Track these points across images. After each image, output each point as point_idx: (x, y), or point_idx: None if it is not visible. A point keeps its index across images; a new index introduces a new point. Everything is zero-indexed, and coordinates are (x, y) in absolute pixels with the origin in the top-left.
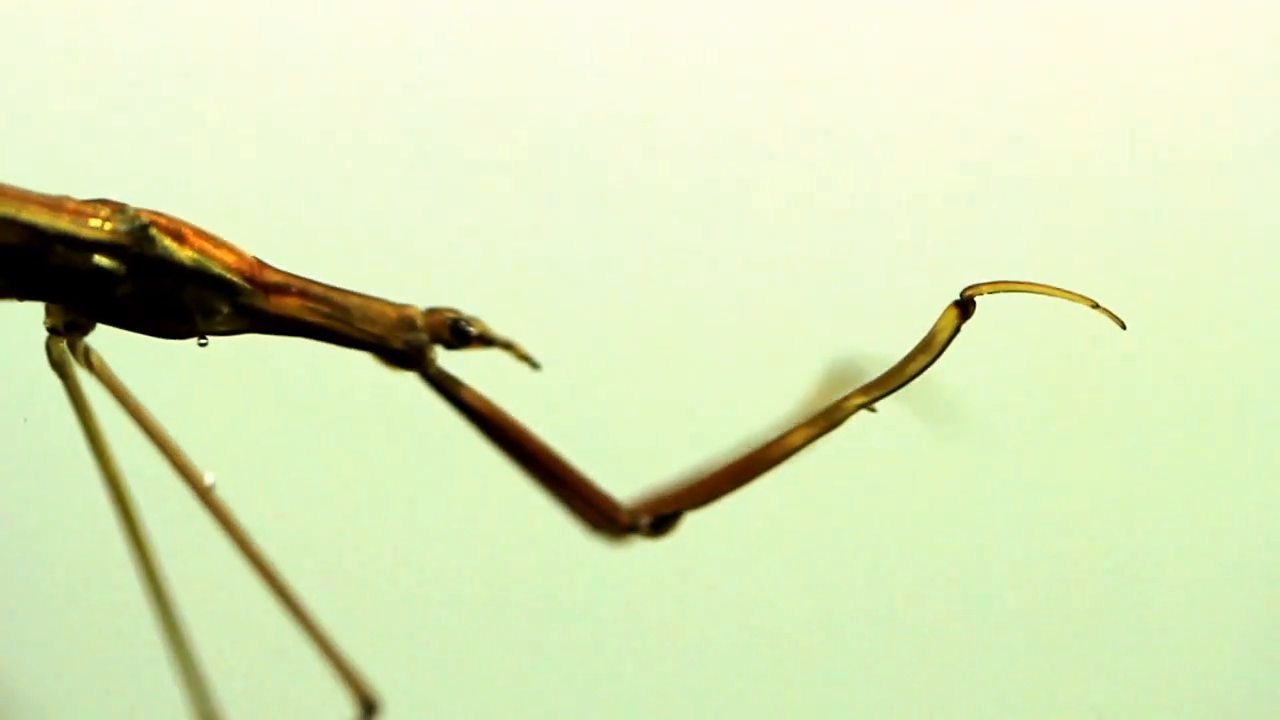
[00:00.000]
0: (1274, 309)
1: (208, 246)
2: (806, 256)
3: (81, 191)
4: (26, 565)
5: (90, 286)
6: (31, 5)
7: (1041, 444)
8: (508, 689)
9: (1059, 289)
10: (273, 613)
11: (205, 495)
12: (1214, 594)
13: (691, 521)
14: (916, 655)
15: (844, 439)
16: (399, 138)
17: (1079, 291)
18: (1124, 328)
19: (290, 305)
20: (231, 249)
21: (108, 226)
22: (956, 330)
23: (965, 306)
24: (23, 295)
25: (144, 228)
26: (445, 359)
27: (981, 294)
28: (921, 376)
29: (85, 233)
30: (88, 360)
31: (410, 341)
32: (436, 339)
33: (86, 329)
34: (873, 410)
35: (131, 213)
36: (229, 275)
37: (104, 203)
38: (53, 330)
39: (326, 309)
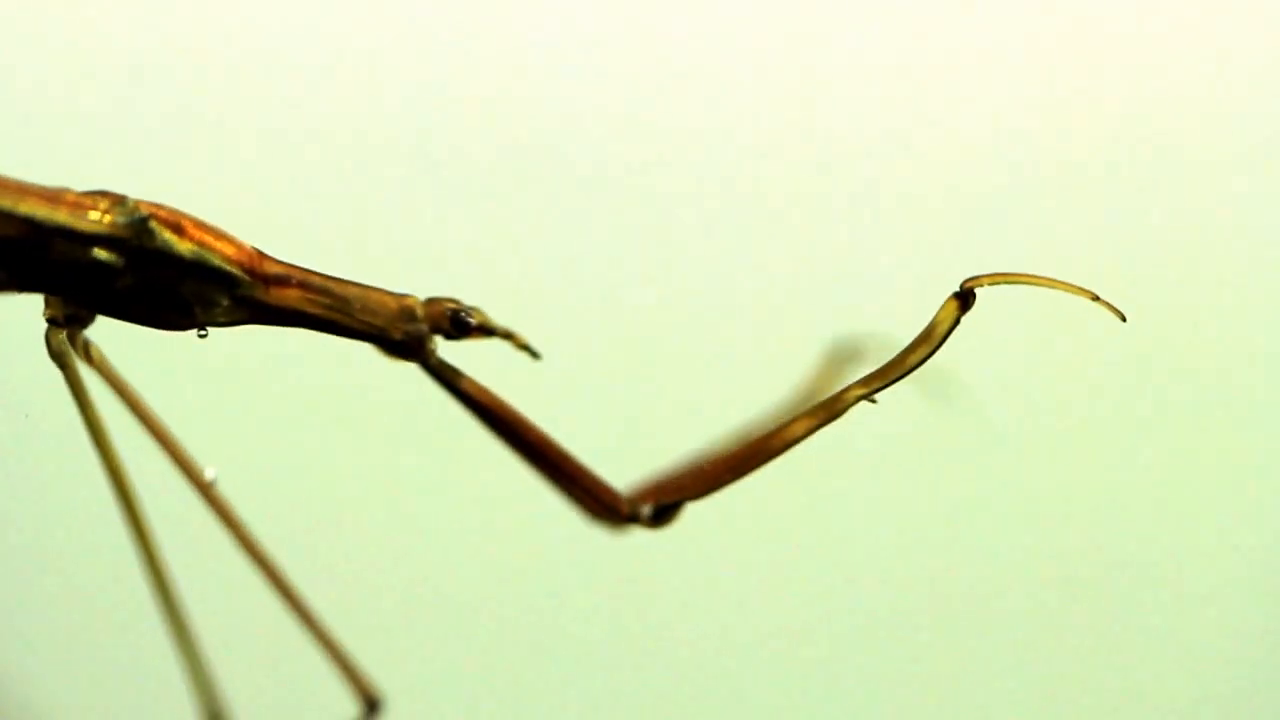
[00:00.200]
0: (1275, 302)
1: (207, 238)
2: (806, 248)
3: (82, 183)
4: (28, 561)
5: (89, 279)
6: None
7: (1041, 439)
8: (510, 686)
9: (1059, 281)
10: (274, 609)
11: (206, 490)
12: (1215, 589)
13: (693, 516)
14: (915, 652)
15: (843, 433)
16: (401, 127)
17: (1079, 284)
18: (1124, 320)
19: (290, 297)
20: (231, 240)
21: (107, 219)
22: (956, 322)
23: (965, 298)
24: (21, 287)
25: (143, 220)
26: (445, 349)
27: (982, 286)
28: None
29: (84, 226)
30: (87, 354)
31: (410, 332)
32: (437, 329)
33: (86, 321)
34: (873, 401)
35: (131, 205)
36: (228, 267)
37: (103, 194)
38: (52, 321)
39: (326, 300)
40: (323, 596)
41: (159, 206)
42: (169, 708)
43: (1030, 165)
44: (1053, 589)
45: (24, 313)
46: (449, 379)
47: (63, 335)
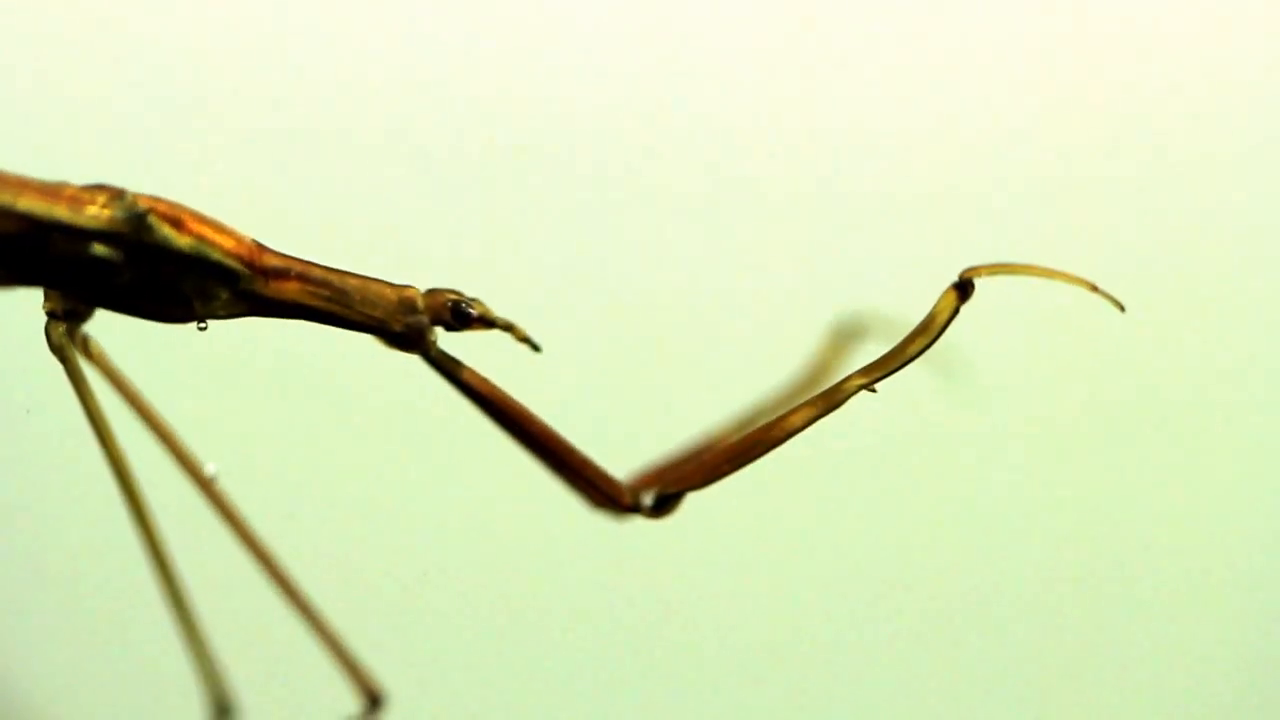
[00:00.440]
0: (1275, 296)
1: (206, 232)
2: (805, 237)
3: (81, 176)
4: (31, 555)
5: (88, 273)
6: None
7: (1042, 435)
8: (512, 682)
9: (1058, 271)
10: (276, 605)
11: (206, 486)
12: (1215, 587)
13: (694, 512)
14: (914, 648)
15: (844, 424)
16: (401, 118)
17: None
18: (1122, 310)
19: (290, 290)
20: (231, 234)
21: (105, 214)
22: (955, 312)
23: (964, 288)
24: (20, 282)
25: (142, 215)
26: (446, 340)
27: (980, 276)
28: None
29: (82, 221)
30: (85, 349)
31: (411, 324)
32: (437, 320)
33: (85, 315)
34: (873, 390)
35: (129, 199)
36: (228, 261)
37: (102, 188)
38: (51, 315)
39: (326, 292)
40: (325, 593)
41: (158, 200)
42: (174, 700)
43: (1031, 156)
44: (1051, 583)
45: (25, 307)
46: (450, 370)
47: (62, 329)
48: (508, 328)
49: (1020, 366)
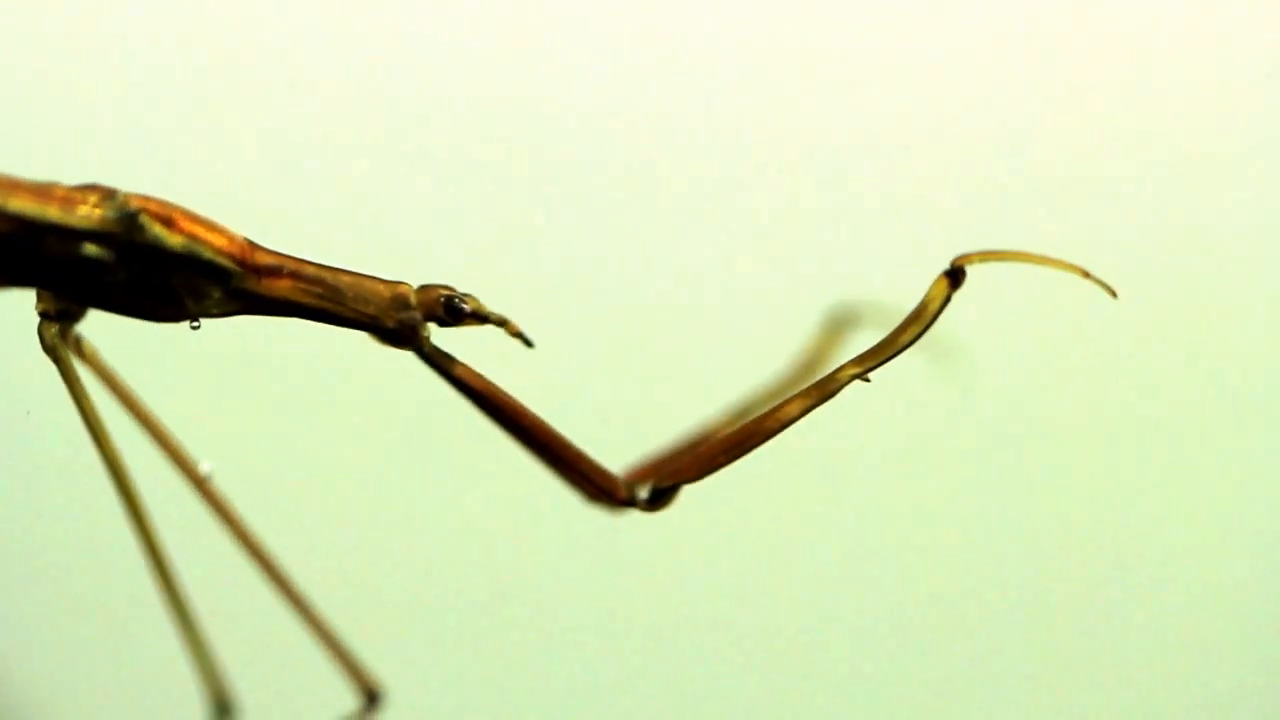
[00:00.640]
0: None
1: (198, 231)
2: (797, 230)
3: (72, 176)
4: (30, 557)
5: (80, 274)
6: None
7: (1035, 425)
8: (510, 678)
9: (1049, 258)
10: (273, 603)
11: (201, 485)
12: (1215, 586)
13: (690, 505)
14: (910, 645)
15: (839, 417)
16: (393, 115)
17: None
18: (1114, 296)
19: (283, 287)
20: (222, 232)
21: (96, 214)
22: (947, 300)
23: (955, 276)
24: (12, 283)
25: (133, 215)
26: (439, 335)
27: (972, 263)
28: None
29: (74, 221)
30: (79, 349)
31: (404, 320)
32: (430, 316)
33: (78, 315)
34: (867, 380)
35: (121, 199)
36: (220, 260)
37: (93, 188)
38: (44, 315)
39: (319, 290)
40: (321, 589)
41: (150, 199)
42: (174, 699)
43: (1023, 146)
44: (1048, 577)
45: (22, 307)
46: (443, 366)
47: (55, 329)
48: (501, 323)
49: (1014, 355)
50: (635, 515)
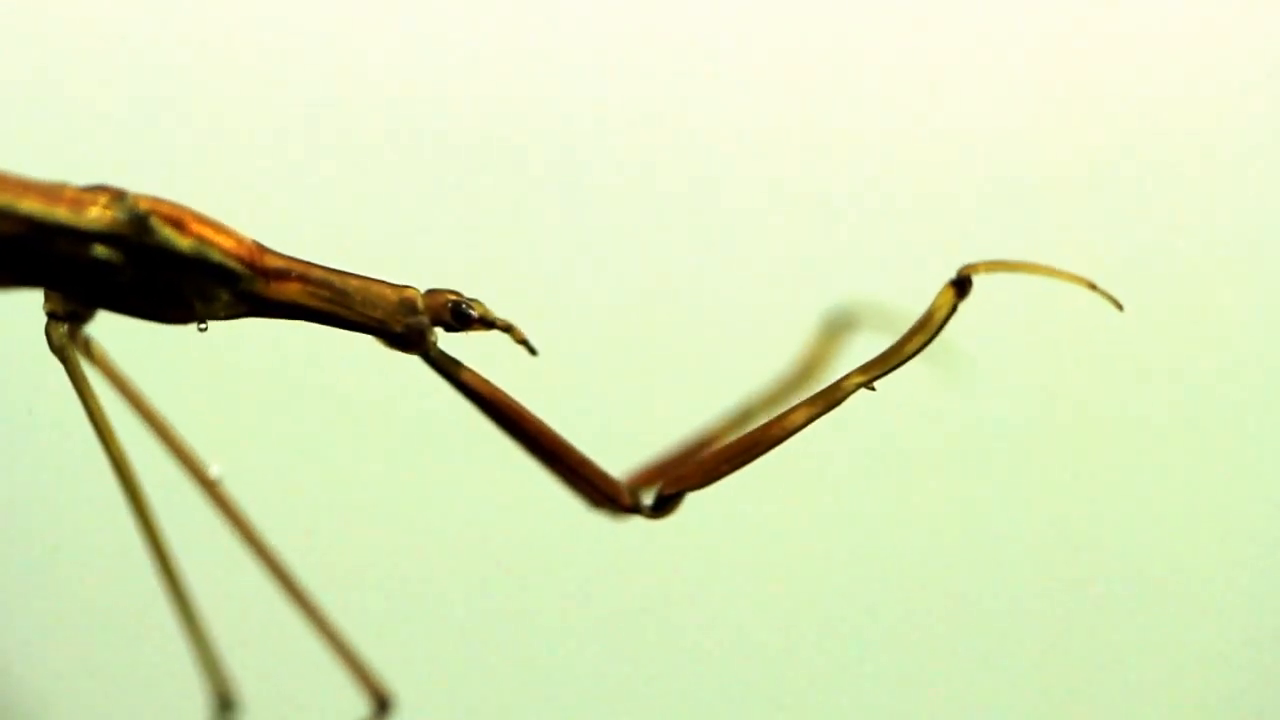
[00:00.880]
0: (1273, 299)
1: (207, 233)
2: (801, 235)
3: (83, 176)
4: (32, 556)
5: (89, 275)
6: None
7: (1043, 436)
8: (519, 685)
9: (1056, 270)
10: (284, 609)
11: (211, 488)
12: (1216, 589)
13: (694, 511)
14: (912, 649)
15: (842, 424)
16: (403, 120)
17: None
18: (1121, 309)
19: (291, 290)
20: (231, 235)
21: (106, 215)
22: (954, 309)
23: (962, 285)
24: (21, 283)
25: (143, 216)
26: (446, 340)
27: (978, 273)
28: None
29: (84, 223)
30: (88, 351)
31: (411, 324)
32: (437, 321)
33: (86, 316)
34: (872, 389)
35: (130, 200)
36: (229, 262)
37: (103, 189)
38: (52, 315)
39: (327, 293)
40: (333, 596)
41: (159, 201)
42: (172, 698)
43: (1029, 153)
44: (1050, 583)
45: (26, 307)
46: (450, 370)
47: (63, 329)
48: (507, 328)
49: (1020, 363)
50: (640, 520)
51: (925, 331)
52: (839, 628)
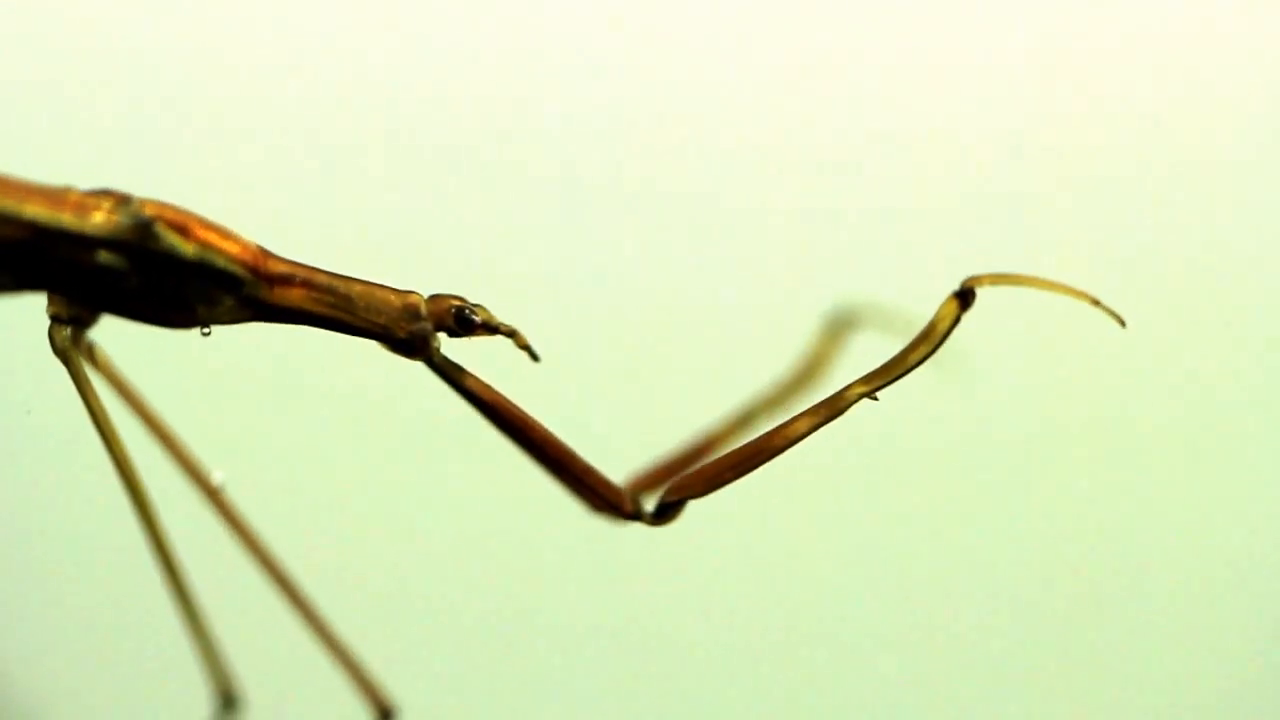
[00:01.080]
0: (1274, 309)
1: (212, 238)
2: (804, 241)
3: (87, 179)
4: (34, 557)
5: (93, 280)
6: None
7: (1044, 445)
8: (523, 693)
9: (1059, 284)
10: (286, 618)
11: (214, 495)
12: (1216, 591)
13: (696, 518)
14: (914, 659)
15: (844, 434)
16: (407, 125)
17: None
18: (1123, 325)
19: (295, 296)
20: (236, 240)
21: (111, 221)
22: (957, 320)
23: (965, 297)
24: (25, 287)
25: (147, 222)
26: (449, 345)
27: (982, 285)
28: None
29: (88, 228)
30: (91, 356)
31: (414, 330)
32: (441, 326)
33: (89, 321)
34: (875, 399)
35: (135, 205)
36: (233, 267)
37: (107, 194)
38: (55, 319)
39: (331, 299)
40: (336, 606)
41: (164, 206)
42: (175, 698)
43: (1032, 163)
44: (1053, 594)
45: (26, 309)
46: (453, 376)
47: (67, 333)
48: (511, 334)
49: (1023, 373)
50: (641, 527)
51: (928, 342)
52: (840, 633)
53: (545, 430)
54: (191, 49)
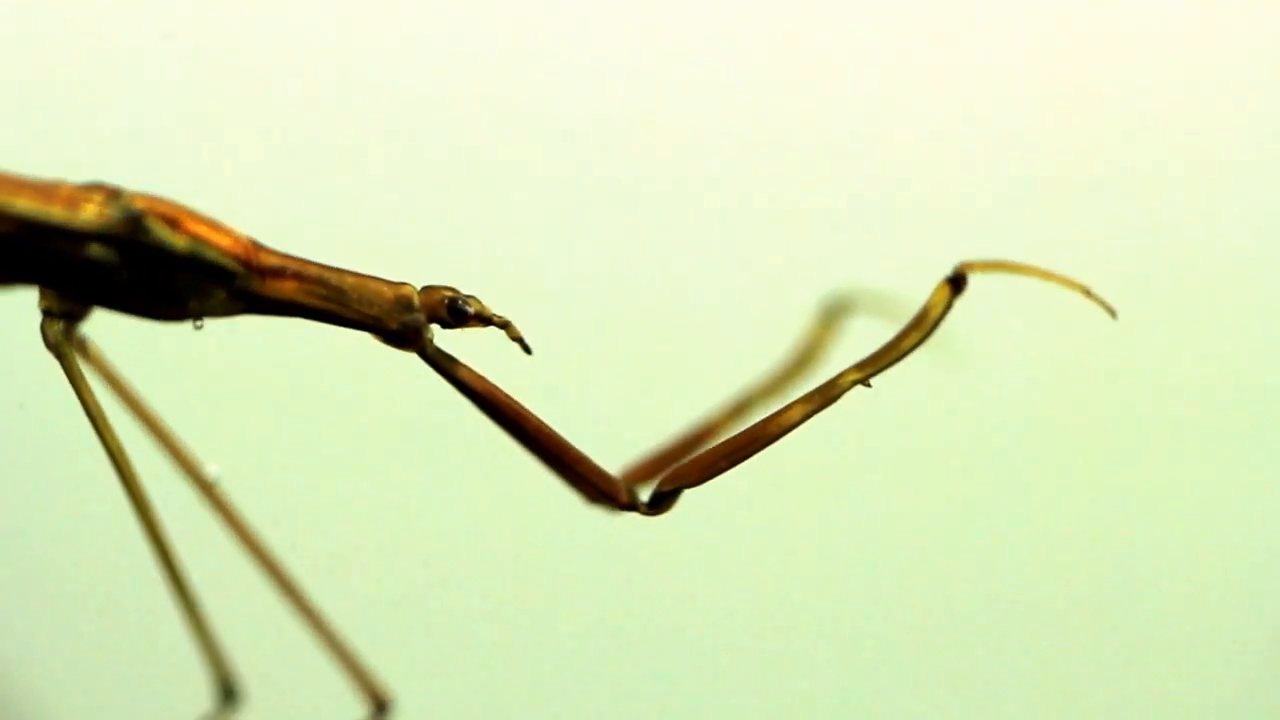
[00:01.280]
0: (1273, 306)
1: (203, 231)
2: (797, 231)
3: (77, 175)
4: (29, 551)
5: (85, 273)
6: None
7: (1039, 432)
8: (518, 683)
9: (1052, 273)
10: (281, 611)
11: (208, 489)
12: (1215, 590)
13: (692, 507)
14: (910, 651)
15: (838, 420)
16: (398, 116)
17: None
18: (1114, 316)
19: (287, 288)
20: (227, 232)
21: (102, 214)
22: (949, 306)
23: (958, 282)
24: (16, 281)
25: (138, 215)
26: (443, 337)
27: (974, 271)
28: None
29: (79, 222)
30: (83, 351)
31: (407, 321)
32: (434, 318)
33: (81, 315)
34: (868, 386)
35: (125, 199)
36: (224, 260)
37: (98, 188)
38: (47, 313)
39: (323, 291)
40: (331, 597)
41: (154, 199)
42: (173, 694)
43: (1025, 154)
44: (1047, 586)
45: (19, 306)
46: (446, 367)
47: (59, 327)
48: (504, 325)
49: (1014, 353)
50: (637, 517)
51: (921, 328)
52: (836, 622)
53: (539, 421)
54: (181, 42)
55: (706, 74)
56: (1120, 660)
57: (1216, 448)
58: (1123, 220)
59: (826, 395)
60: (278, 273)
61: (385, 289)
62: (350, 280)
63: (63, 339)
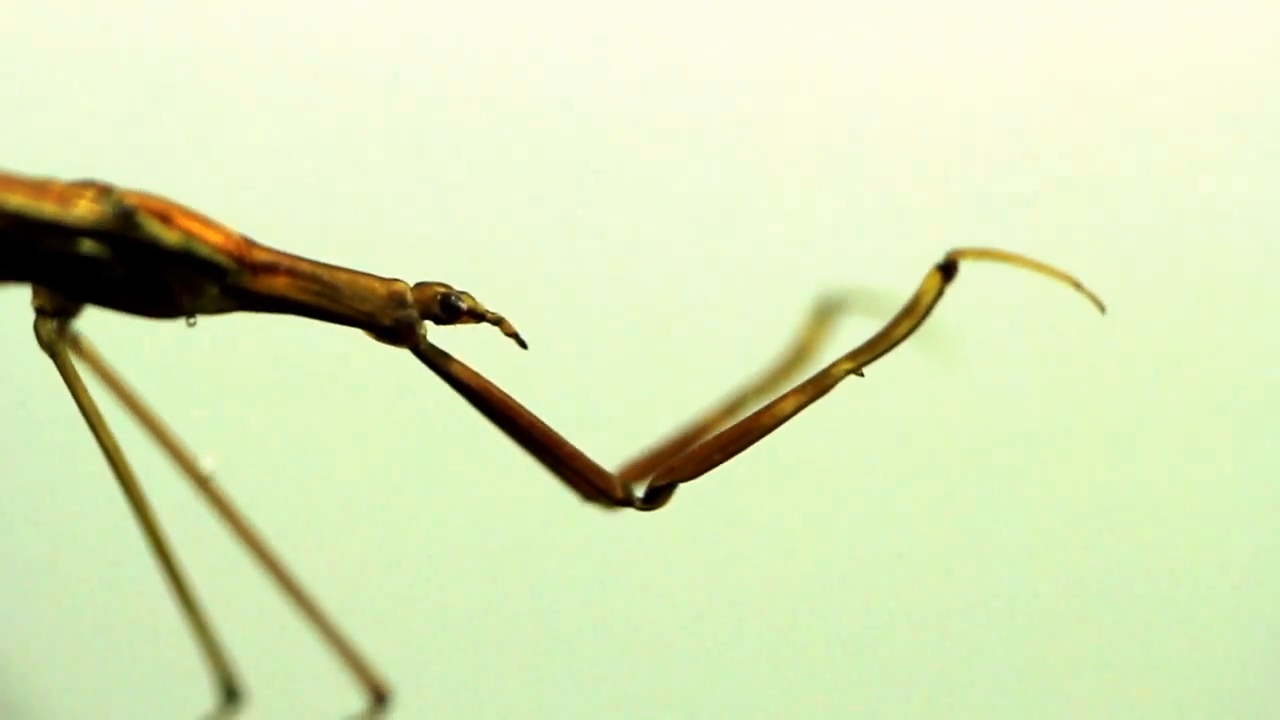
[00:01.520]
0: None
1: (195, 228)
2: (791, 227)
3: (70, 172)
4: (28, 549)
5: (77, 270)
6: None
7: (1035, 429)
8: (515, 677)
9: (1042, 264)
10: (279, 604)
11: (203, 482)
12: (1215, 590)
13: (687, 502)
14: (908, 647)
15: (832, 412)
16: (392, 114)
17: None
18: (1103, 310)
19: (279, 285)
20: (219, 229)
21: (93, 211)
22: (940, 293)
23: (949, 270)
24: (8, 279)
25: (130, 212)
26: (436, 333)
27: (965, 259)
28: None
29: (70, 219)
30: (76, 347)
31: (400, 318)
32: (426, 314)
33: (74, 312)
34: (860, 375)
35: (117, 195)
36: (217, 257)
37: (90, 184)
38: (40, 311)
39: (316, 287)
40: (329, 590)
41: (146, 196)
42: (172, 693)
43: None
44: (1045, 578)
45: (20, 305)
46: (439, 364)
47: (52, 325)
48: (497, 321)
49: (1006, 344)
50: (632, 513)
51: (912, 316)
52: (830, 615)
53: (534, 417)
54: (176, 41)
55: (700, 74)
56: (1120, 660)
57: (1217, 448)
58: (1123, 220)
59: (819, 385)
60: (270, 269)
61: (378, 285)
62: (343, 276)
63: (56, 337)
